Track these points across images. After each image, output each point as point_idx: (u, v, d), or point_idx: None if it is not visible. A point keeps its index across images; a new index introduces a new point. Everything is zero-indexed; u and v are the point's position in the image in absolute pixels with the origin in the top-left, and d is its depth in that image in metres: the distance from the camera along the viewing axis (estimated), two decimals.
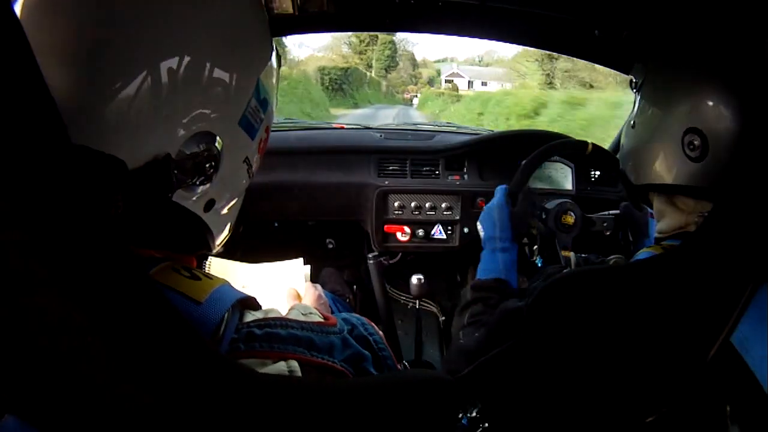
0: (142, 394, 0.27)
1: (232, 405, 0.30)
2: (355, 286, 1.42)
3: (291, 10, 0.93)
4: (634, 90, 0.72)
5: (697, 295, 0.43)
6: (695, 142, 0.57)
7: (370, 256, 1.37)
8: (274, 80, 0.50)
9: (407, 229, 1.30)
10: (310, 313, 0.46)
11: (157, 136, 0.38)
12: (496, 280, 0.84)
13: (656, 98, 0.65)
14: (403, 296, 1.58)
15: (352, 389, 0.35)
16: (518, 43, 1.29)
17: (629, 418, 0.43)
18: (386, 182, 1.31)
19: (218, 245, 0.49)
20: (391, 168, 1.34)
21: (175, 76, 0.38)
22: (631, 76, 0.73)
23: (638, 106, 0.69)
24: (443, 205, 1.29)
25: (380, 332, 0.50)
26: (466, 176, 1.34)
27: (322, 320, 0.45)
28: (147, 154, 0.37)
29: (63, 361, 0.26)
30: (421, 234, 1.30)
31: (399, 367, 0.49)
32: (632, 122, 0.69)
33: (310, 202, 1.34)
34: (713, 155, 0.56)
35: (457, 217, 1.30)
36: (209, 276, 0.42)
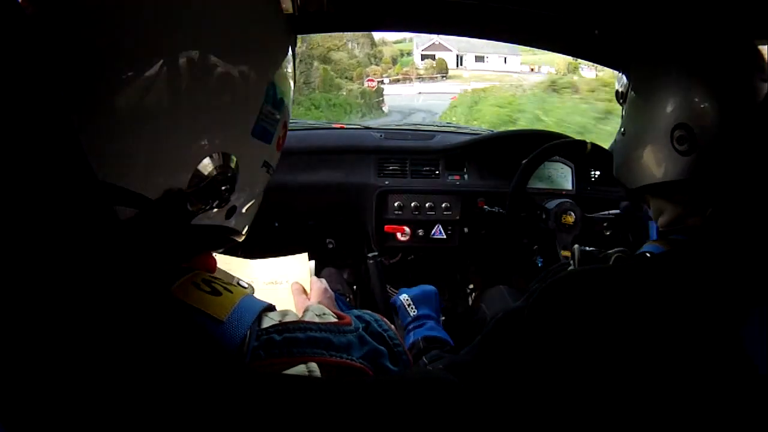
0: (168, 415, 0.27)
1: (254, 415, 0.29)
2: (355, 286, 1.42)
3: (291, 10, 0.93)
4: (620, 101, 0.74)
5: (706, 291, 0.43)
6: (684, 135, 0.59)
7: (370, 256, 1.37)
8: (290, 75, 0.48)
9: (407, 229, 1.30)
10: (324, 314, 0.46)
11: (167, 167, 0.36)
12: (446, 339, 0.84)
13: (642, 102, 0.67)
14: None
15: (353, 390, 0.34)
16: (518, 43, 1.29)
17: (634, 418, 0.43)
18: (386, 182, 1.31)
19: (244, 236, 0.49)
20: (391, 168, 1.34)
21: (180, 101, 0.36)
22: (617, 87, 0.75)
23: (626, 114, 0.71)
24: (443, 205, 1.29)
25: (393, 327, 0.50)
26: (466, 176, 1.34)
27: (336, 320, 0.45)
28: (158, 188, 0.36)
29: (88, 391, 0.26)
30: (421, 234, 1.30)
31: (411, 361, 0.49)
32: (622, 130, 0.71)
33: (310, 202, 1.34)
34: (701, 147, 0.58)
35: (457, 217, 1.30)
36: (229, 289, 0.41)
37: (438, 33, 1.26)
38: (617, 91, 0.75)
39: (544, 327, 0.48)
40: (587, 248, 0.86)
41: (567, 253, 1.04)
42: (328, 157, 1.35)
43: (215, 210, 0.41)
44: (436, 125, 1.77)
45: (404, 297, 0.92)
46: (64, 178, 0.25)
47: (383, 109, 11.70)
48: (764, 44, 0.60)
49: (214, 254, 0.68)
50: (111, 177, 0.34)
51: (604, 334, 0.45)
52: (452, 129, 1.64)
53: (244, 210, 0.46)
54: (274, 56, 0.44)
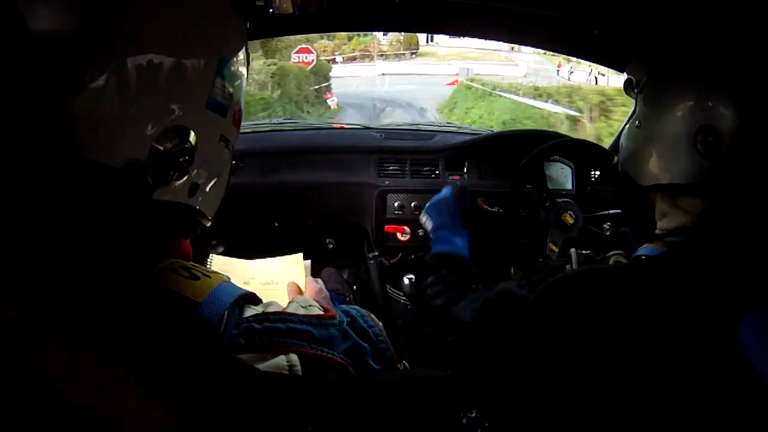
0: (152, 394, 0.28)
1: (234, 401, 0.30)
2: (355, 286, 1.42)
3: (291, 10, 0.93)
4: (635, 90, 0.70)
5: (703, 292, 0.43)
6: (709, 140, 0.56)
7: (370, 256, 1.37)
8: (241, 50, 0.49)
9: (407, 229, 1.30)
10: (310, 306, 0.46)
11: (126, 140, 0.37)
12: (455, 252, 0.87)
13: (664, 98, 0.63)
14: (403, 296, 1.58)
15: (353, 388, 0.35)
16: (518, 43, 1.29)
17: (632, 418, 0.43)
18: (386, 182, 1.31)
19: (211, 219, 0.49)
20: (391, 168, 1.34)
21: (135, 75, 0.37)
22: (630, 76, 0.72)
23: (642, 107, 0.68)
24: None
25: (380, 324, 0.50)
26: (466, 176, 1.34)
27: (321, 313, 0.45)
28: (120, 160, 0.37)
29: (74, 368, 0.26)
30: (421, 234, 1.30)
31: (398, 362, 0.49)
32: (637, 122, 0.68)
33: (310, 202, 1.34)
34: (727, 153, 0.55)
35: None
36: (208, 275, 0.42)
37: (438, 33, 1.26)
38: (630, 79, 0.72)
39: (543, 329, 0.48)
40: (584, 252, 0.85)
41: (555, 248, 1.05)
42: (328, 157, 1.35)
43: (177, 183, 0.42)
44: (437, 125, 1.77)
45: (422, 218, 0.97)
46: (52, 154, 0.26)
47: (329, 102, 7.84)
48: None
49: (213, 256, 0.68)
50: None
51: (602, 336, 0.45)
52: (452, 129, 1.64)
53: (207, 189, 0.46)
54: (222, 30, 0.46)
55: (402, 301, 1.60)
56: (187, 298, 0.38)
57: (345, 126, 1.59)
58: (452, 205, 0.96)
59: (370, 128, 1.57)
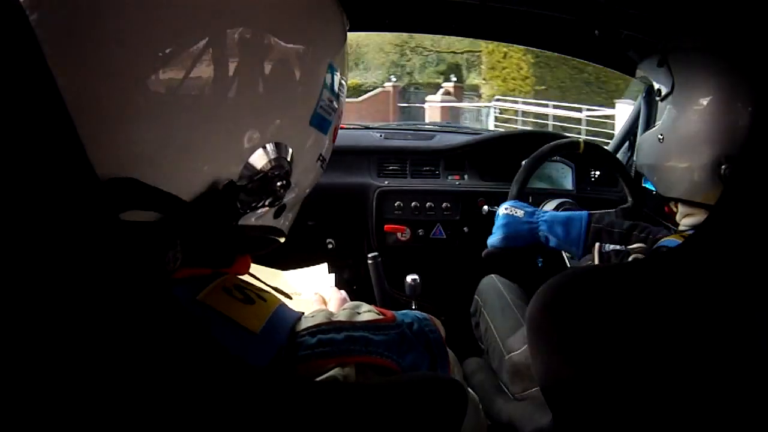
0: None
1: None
2: (355, 286, 1.42)
3: None
4: (658, 98, 0.69)
5: (716, 283, 0.43)
6: (731, 170, 0.56)
7: (370, 256, 1.37)
8: (345, 58, 0.43)
9: (407, 229, 1.30)
10: (367, 311, 0.42)
11: (214, 159, 0.32)
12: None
13: (691, 117, 0.62)
14: (404, 296, 1.58)
15: (356, 391, 0.34)
16: (518, 43, 1.29)
17: (648, 414, 0.43)
18: (386, 182, 1.31)
19: (287, 234, 0.45)
20: (391, 168, 1.34)
21: (233, 79, 0.31)
22: (655, 84, 0.70)
23: (667, 119, 0.66)
24: (443, 205, 1.29)
25: (441, 330, 0.44)
26: (466, 176, 1.34)
27: (379, 317, 0.41)
28: (203, 182, 0.31)
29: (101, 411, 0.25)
30: (421, 234, 1.30)
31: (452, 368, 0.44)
32: (660, 136, 0.66)
33: (310, 202, 1.33)
34: (746, 178, 0.54)
35: (457, 217, 1.30)
36: (262, 297, 0.38)
37: (438, 33, 1.26)
38: (656, 88, 0.69)
39: (546, 330, 0.48)
40: (607, 246, 0.84)
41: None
42: None
43: (266, 208, 0.36)
44: (437, 125, 1.77)
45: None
46: (58, 174, 0.22)
47: None
48: None
49: None
50: (133, 168, 0.29)
51: (601, 336, 0.45)
52: (452, 129, 1.64)
53: (292, 207, 0.42)
54: (332, 38, 0.39)
55: (402, 300, 1.60)
56: (242, 327, 0.33)
57: (345, 126, 1.59)
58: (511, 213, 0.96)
59: (370, 128, 1.57)
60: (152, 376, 0.26)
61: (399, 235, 1.31)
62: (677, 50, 0.66)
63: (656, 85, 0.69)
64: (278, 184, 0.35)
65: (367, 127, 1.58)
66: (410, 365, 0.38)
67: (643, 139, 0.72)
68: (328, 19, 0.39)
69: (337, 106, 0.40)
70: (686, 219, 0.65)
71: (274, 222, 0.39)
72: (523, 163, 1.08)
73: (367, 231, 1.34)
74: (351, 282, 1.43)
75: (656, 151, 0.68)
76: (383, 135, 1.46)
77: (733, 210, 0.44)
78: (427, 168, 1.34)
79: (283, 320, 0.36)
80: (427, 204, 1.29)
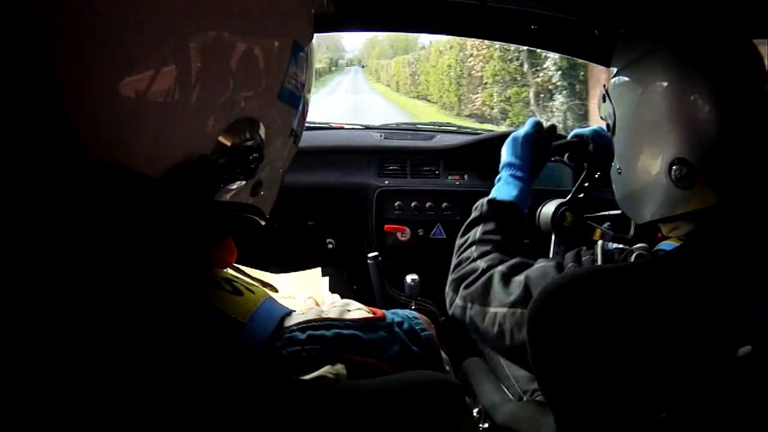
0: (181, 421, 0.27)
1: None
2: (355, 286, 1.42)
3: None
4: (609, 134, 0.70)
5: (717, 284, 0.43)
6: (683, 172, 0.57)
7: (370, 256, 1.37)
8: (312, 36, 0.43)
9: (407, 229, 1.30)
10: (358, 308, 0.42)
11: (186, 134, 0.33)
12: (512, 203, 0.82)
13: (632, 138, 0.64)
14: (403, 296, 1.58)
15: (354, 391, 0.34)
16: (518, 43, 1.29)
17: (641, 416, 0.43)
18: (386, 182, 1.31)
19: (267, 217, 0.45)
20: (391, 168, 1.34)
21: (201, 56, 0.32)
22: (608, 121, 0.71)
23: (617, 150, 0.68)
24: (443, 205, 1.29)
25: (432, 328, 0.45)
26: (466, 176, 1.34)
27: (369, 315, 0.41)
28: (175, 157, 0.32)
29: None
30: (421, 234, 1.30)
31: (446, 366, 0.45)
32: (618, 168, 0.68)
33: (310, 202, 1.34)
34: (702, 178, 0.56)
35: (458, 217, 1.30)
36: (250, 289, 0.38)
37: (438, 33, 1.26)
38: (607, 123, 0.71)
39: (546, 332, 0.48)
40: (611, 246, 0.84)
41: (598, 234, 1.04)
42: (328, 157, 1.35)
43: (242, 183, 0.37)
44: (437, 125, 1.77)
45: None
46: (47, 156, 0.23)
47: None
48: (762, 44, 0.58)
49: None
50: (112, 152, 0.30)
51: (601, 336, 0.45)
52: (452, 129, 1.64)
53: (269, 186, 0.42)
54: (296, 19, 0.41)
55: (402, 300, 1.60)
56: (231, 318, 0.34)
57: (345, 126, 1.59)
58: (528, 141, 0.87)
59: (370, 128, 1.57)
60: (139, 358, 0.26)
61: (399, 235, 1.31)
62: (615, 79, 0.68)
63: (609, 121, 0.70)
64: (251, 157, 0.36)
65: (367, 127, 1.58)
66: (401, 364, 0.39)
67: (612, 178, 0.72)
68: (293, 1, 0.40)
69: (304, 82, 0.41)
70: (674, 233, 0.65)
71: (252, 200, 0.40)
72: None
73: (367, 231, 1.34)
74: (351, 282, 1.43)
75: (621, 185, 0.69)
76: (383, 135, 1.46)
77: (729, 212, 0.44)
78: (427, 168, 1.34)
79: (271, 312, 0.37)
80: (427, 204, 1.29)
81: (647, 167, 0.61)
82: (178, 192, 0.32)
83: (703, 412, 0.43)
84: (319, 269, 0.71)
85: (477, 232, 0.79)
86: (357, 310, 0.41)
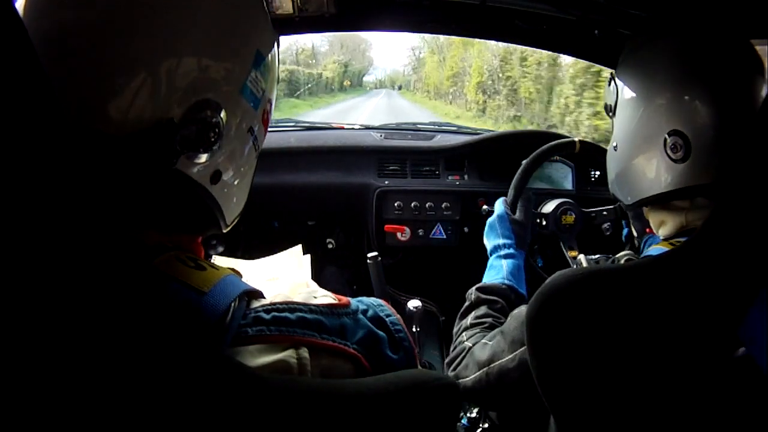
0: (139, 390, 0.27)
1: (229, 403, 0.30)
2: (355, 286, 1.42)
3: (291, 11, 0.93)
4: (610, 114, 0.72)
5: (707, 290, 0.43)
6: (678, 144, 0.58)
7: (369, 256, 1.37)
8: (274, 51, 0.50)
9: (407, 229, 1.30)
10: (324, 295, 0.44)
11: (157, 100, 0.38)
12: (503, 284, 0.85)
13: (631, 112, 0.65)
14: (403, 296, 1.58)
15: (353, 390, 0.34)
16: (518, 43, 1.29)
17: (641, 415, 0.43)
18: (386, 182, 1.31)
19: (229, 224, 0.48)
20: (391, 168, 1.34)
21: (175, 46, 0.38)
22: (606, 102, 0.74)
23: (616, 127, 0.70)
24: (443, 205, 1.29)
25: (397, 314, 0.47)
26: (466, 176, 1.34)
27: (334, 301, 0.43)
28: (148, 119, 0.37)
29: (59, 358, 0.26)
30: (421, 234, 1.30)
31: (417, 349, 0.47)
32: (614, 144, 0.69)
33: (310, 202, 1.34)
34: (696, 152, 0.57)
35: (457, 217, 1.30)
36: (215, 266, 0.41)
37: (437, 33, 1.26)
38: (606, 105, 0.73)
39: (544, 334, 0.48)
40: (594, 256, 0.85)
41: (573, 253, 1.04)
42: (328, 157, 1.35)
43: (201, 160, 0.41)
44: (436, 125, 1.77)
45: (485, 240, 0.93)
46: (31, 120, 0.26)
47: None
48: (761, 44, 0.59)
49: (214, 257, 0.68)
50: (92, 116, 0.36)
51: (600, 336, 0.45)
52: (452, 129, 1.64)
53: (231, 183, 0.45)
54: (260, 24, 0.47)
55: (402, 300, 1.60)
56: (192, 287, 0.37)
57: (345, 126, 1.59)
58: (504, 220, 0.94)
59: (370, 128, 1.57)
60: (107, 323, 0.28)
61: (399, 235, 1.31)
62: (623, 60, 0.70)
63: (609, 102, 0.72)
64: (211, 133, 0.40)
65: (367, 127, 1.58)
66: (369, 349, 0.41)
67: (607, 158, 0.74)
68: (253, 11, 0.47)
69: (264, 87, 0.47)
70: (662, 229, 0.66)
71: (211, 187, 0.43)
72: (523, 163, 1.08)
73: (367, 231, 1.34)
74: (351, 282, 1.43)
75: (615, 161, 0.70)
76: (383, 135, 1.46)
77: (724, 213, 0.44)
78: (427, 168, 1.34)
79: (234, 285, 0.39)
80: (427, 204, 1.29)
81: (643, 140, 0.62)
82: (142, 148, 0.37)
83: (703, 412, 0.43)
84: (299, 246, 0.72)
85: (468, 319, 0.81)
86: (323, 297, 0.43)
